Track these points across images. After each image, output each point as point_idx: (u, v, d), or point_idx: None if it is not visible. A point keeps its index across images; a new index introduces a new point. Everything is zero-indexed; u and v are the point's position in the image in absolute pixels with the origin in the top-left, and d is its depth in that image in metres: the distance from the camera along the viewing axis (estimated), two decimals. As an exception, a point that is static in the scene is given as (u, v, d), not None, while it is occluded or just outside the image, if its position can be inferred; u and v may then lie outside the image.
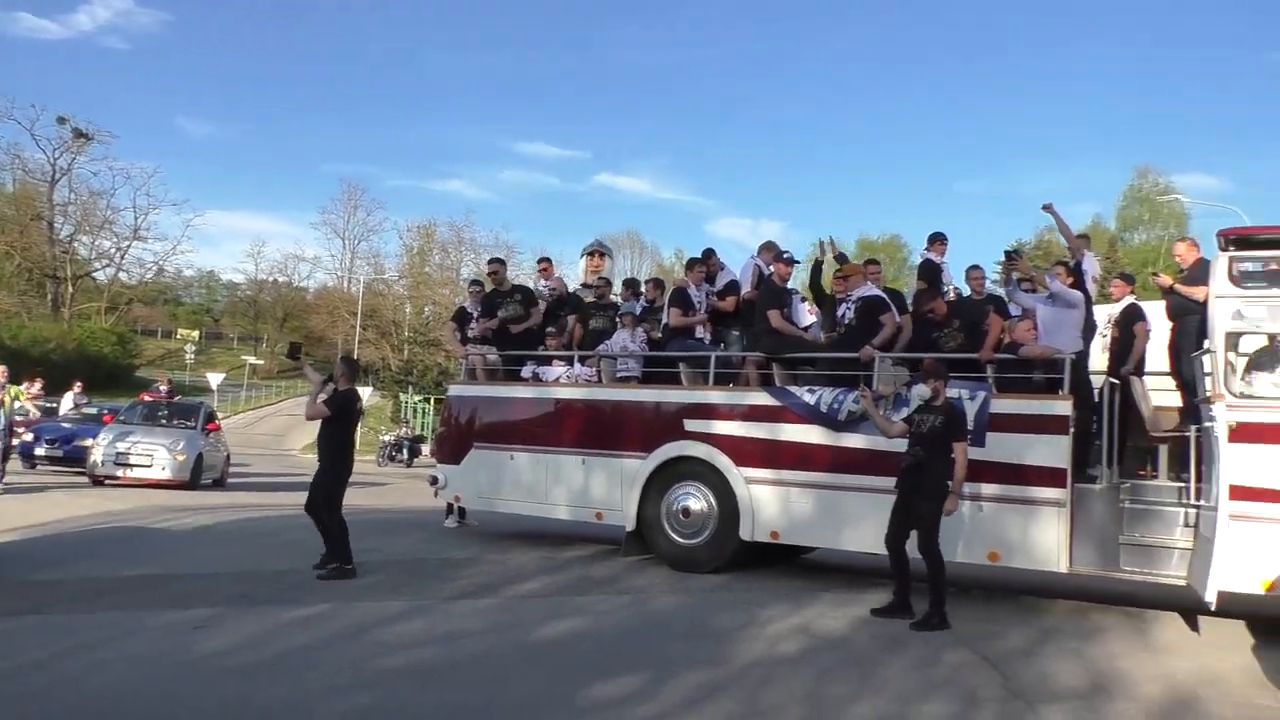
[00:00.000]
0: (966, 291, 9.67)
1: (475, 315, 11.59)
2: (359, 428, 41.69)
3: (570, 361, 10.71)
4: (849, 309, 9.30)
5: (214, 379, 47.30)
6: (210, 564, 8.74)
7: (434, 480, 11.38)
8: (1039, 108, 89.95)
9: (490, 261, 13.21)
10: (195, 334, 74.32)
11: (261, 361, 71.76)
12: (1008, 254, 9.92)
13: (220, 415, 26.67)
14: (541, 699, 5.12)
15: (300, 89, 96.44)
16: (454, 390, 11.77)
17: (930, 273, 9.91)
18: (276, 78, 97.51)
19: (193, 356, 62.30)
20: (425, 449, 32.72)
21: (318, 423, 8.73)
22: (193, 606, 6.89)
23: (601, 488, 10.03)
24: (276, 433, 45.91)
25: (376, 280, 63.99)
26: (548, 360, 10.92)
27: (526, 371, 10.98)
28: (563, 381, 10.63)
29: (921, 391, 7.45)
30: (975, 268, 9.68)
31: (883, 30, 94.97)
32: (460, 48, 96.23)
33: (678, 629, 7.00)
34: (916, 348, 8.88)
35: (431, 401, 40.39)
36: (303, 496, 8.80)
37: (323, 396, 8.74)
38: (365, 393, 40.43)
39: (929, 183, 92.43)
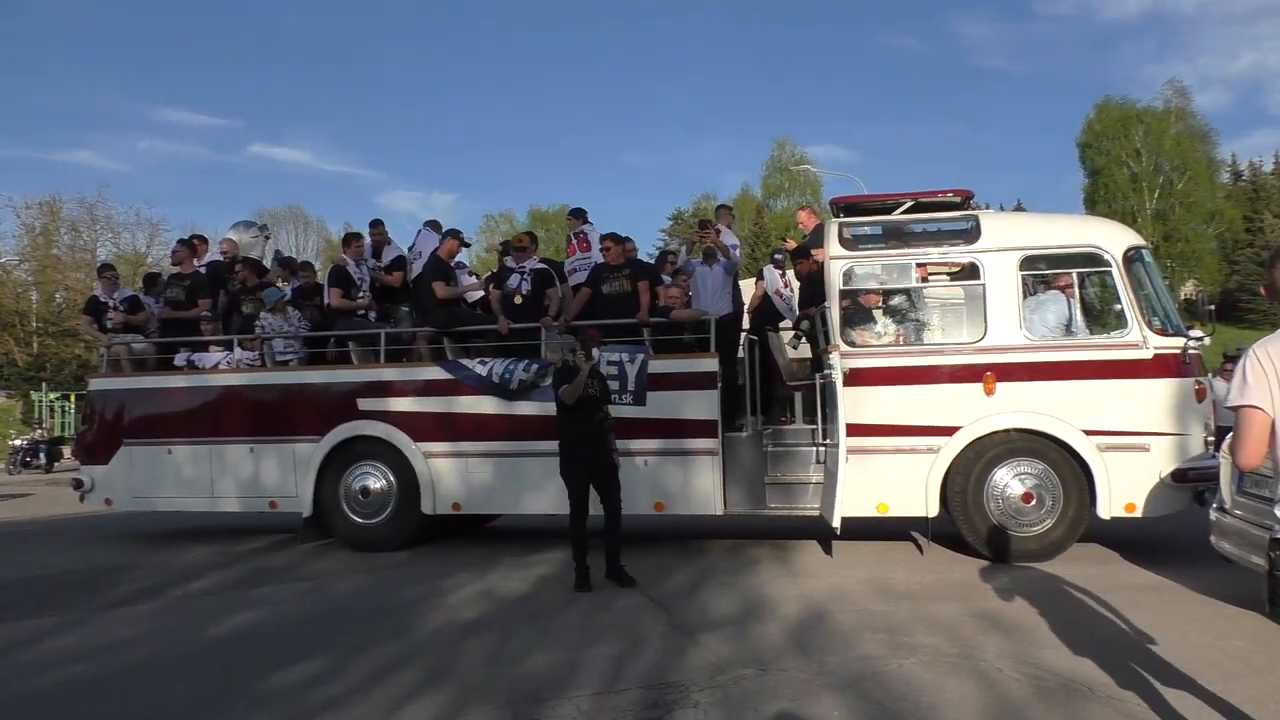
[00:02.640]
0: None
1: (111, 304, 10.71)
2: None
3: (229, 346, 10.15)
4: (525, 280, 9.53)
5: None
6: None
7: (78, 484, 10.37)
8: (691, 85, 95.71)
9: (179, 242, 11.67)
10: None
11: None
12: (703, 223, 10.46)
13: None
14: (216, 695, 4.94)
15: None
16: (96, 384, 10.73)
17: None
18: None
19: None
20: (68, 451, 29.44)
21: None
22: None
23: (274, 475, 9.65)
24: None
25: (-9, 265, 55.86)
26: (203, 346, 10.27)
27: (180, 359, 10.26)
28: (223, 368, 10.06)
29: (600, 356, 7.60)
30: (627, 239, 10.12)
31: (540, 5, 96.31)
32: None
33: (360, 608, 6.96)
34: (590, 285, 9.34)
35: (72, 398, 36.33)
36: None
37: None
38: (-13, 394, 35.87)
39: (596, 155, 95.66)
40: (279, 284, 10.54)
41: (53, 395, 38.23)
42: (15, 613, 7.04)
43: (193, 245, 11.40)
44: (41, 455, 28.83)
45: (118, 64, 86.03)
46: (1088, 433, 7.69)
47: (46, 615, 6.93)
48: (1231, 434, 3.13)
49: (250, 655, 5.72)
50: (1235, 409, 2.98)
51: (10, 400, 44.56)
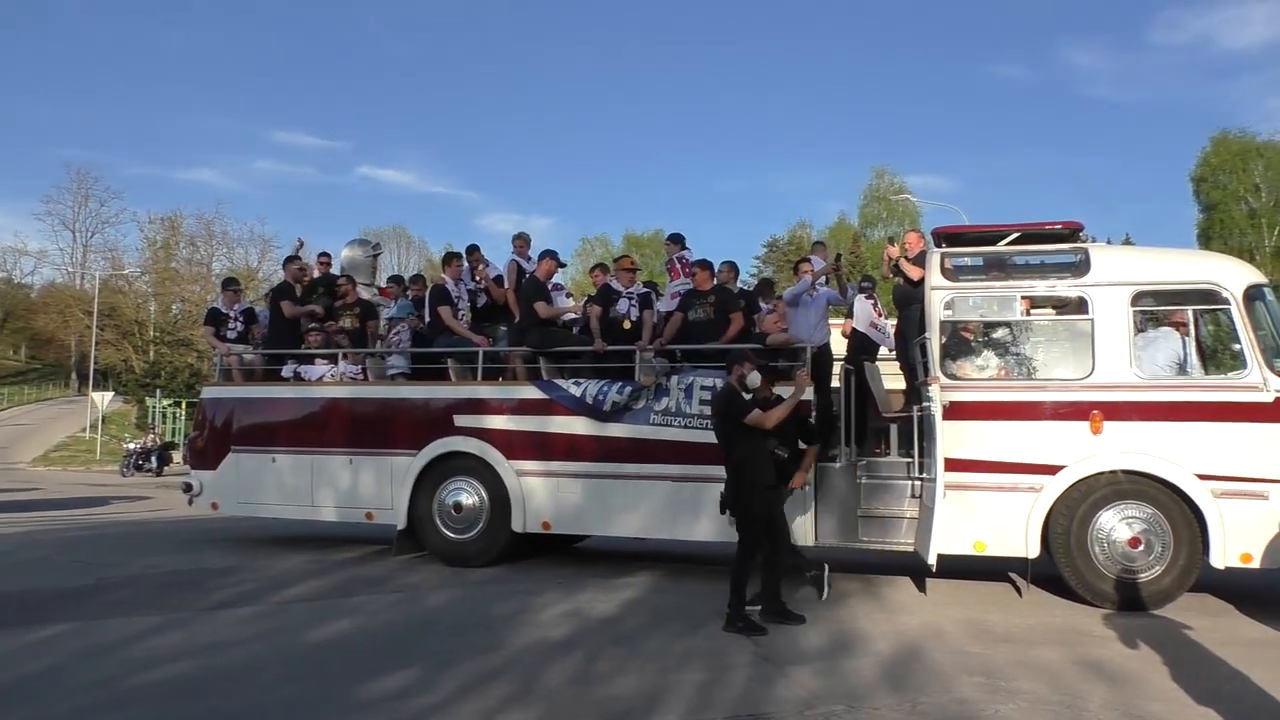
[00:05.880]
0: None
1: (231, 315, 11.16)
2: (100, 435, 38.21)
3: (333, 360, 10.46)
4: (633, 305, 9.62)
5: (-81, 387, 42.13)
6: (-74, 591, 7.94)
7: (188, 487, 10.80)
8: (788, 112, 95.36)
9: (322, 254, 12.28)
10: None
11: (-21, 366, 64.43)
12: (839, 255, 10.40)
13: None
14: (313, 701, 5.05)
15: (12, 66, 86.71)
16: (208, 392, 11.21)
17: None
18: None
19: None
20: (178, 456, 30.68)
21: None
22: (-92, 638, 6.25)
23: (371, 487, 9.89)
24: (0, 444, 41.46)
25: (114, 276, 58.73)
26: (309, 359, 10.61)
27: (287, 371, 10.62)
28: (327, 380, 10.37)
29: (752, 380, 7.18)
30: (728, 263, 10.21)
31: (641, 29, 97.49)
32: (190, 26, 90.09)
33: (451, 622, 7.06)
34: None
35: (183, 405, 37.88)
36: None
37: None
38: (105, 397, 37.73)
39: (691, 180, 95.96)
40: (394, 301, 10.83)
41: (165, 402, 39.91)
42: (126, 609, 7.34)
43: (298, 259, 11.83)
44: (153, 459, 30.14)
45: (237, 88, 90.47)
46: (1201, 477, 7.35)
47: (154, 613, 7.20)
48: None
49: (345, 663, 5.84)
50: None
51: (126, 405, 46.72)
